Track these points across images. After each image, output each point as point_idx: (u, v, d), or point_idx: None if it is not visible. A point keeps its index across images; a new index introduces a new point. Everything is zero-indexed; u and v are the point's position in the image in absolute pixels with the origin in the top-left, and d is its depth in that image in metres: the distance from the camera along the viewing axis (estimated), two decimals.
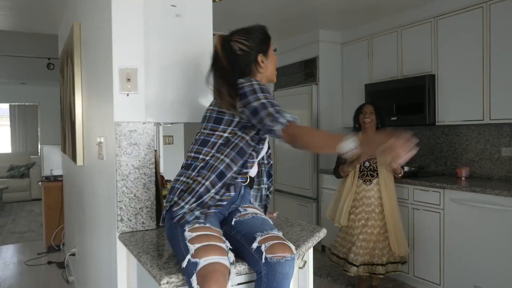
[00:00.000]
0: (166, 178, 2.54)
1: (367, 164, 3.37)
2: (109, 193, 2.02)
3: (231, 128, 1.51)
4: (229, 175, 1.46)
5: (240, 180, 1.48)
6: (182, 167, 1.57)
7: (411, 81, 4.08)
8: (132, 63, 1.91)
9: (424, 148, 4.42)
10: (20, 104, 9.87)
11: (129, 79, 1.89)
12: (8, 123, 10.04)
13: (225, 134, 1.51)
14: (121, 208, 1.88)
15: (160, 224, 1.92)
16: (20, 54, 7.29)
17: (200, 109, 2.02)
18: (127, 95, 1.90)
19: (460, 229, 3.41)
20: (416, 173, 4.06)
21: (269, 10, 4.25)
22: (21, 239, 5.83)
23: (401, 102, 4.18)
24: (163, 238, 1.79)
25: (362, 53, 4.75)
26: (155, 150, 1.99)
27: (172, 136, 5.91)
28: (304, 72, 5.19)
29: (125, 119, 1.89)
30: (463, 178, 3.84)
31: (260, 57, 1.63)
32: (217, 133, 1.52)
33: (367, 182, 3.38)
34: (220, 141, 1.51)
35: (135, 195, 1.90)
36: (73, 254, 3.87)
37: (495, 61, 3.46)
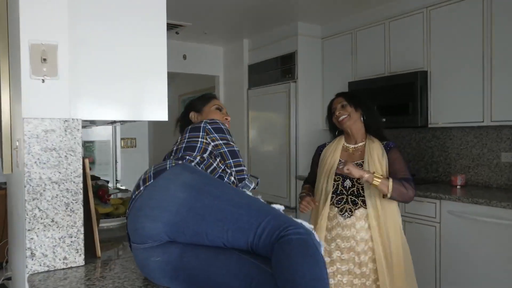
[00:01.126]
0: (121, 187, 2.02)
1: (347, 183, 2.14)
2: (19, 217, 1.48)
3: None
4: None
5: None
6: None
7: (400, 79, 3.67)
8: (51, 37, 1.38)
9: (413, 152, 4.01)
10: None
11: (45, 59, 1.36)
12: None
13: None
14: (32, 239, 1.34)
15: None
16: None
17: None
18: (42, 81, 1.36)
19: (458, 245, 2.99)
20: None
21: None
22: None
23: (389, 102, 3.76)
24: (95, 279, 1.27)
25: (345, 48, 4.32)
26: (84, 158, 1.46)
27: (134, 139, 5.35)
28: (281, 68, 4.72)
29: (38, 115, 1.35)
30: (458, 187, 3.44)
31: (192, 114, 1.83)
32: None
33: (346, 213, 2.13)
34: None
35: (52, 220, 1.37)
36: (9, 279, 3.27)
37: (498, 55, 3.06)
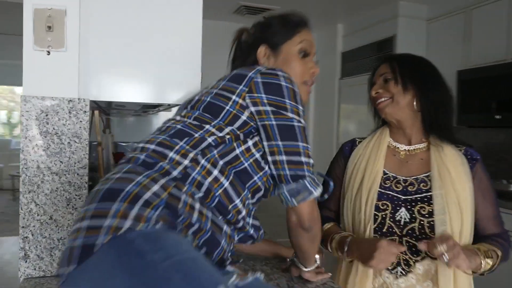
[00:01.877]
0: None
1: (403, 215, 1.25)
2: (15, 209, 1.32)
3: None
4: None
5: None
6: (133, 162, 0.86)
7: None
8: (58, 0, 1.17)
9: None
10: None
11: (50, 27, 1.15)
12: None
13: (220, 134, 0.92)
14: (26, 238, 1.15)
15: None
16: None
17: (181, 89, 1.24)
18: (47, 53, 1.16)
19: None
20: None
21: None
22: None
23: (509, 95, 3.05)
24: None
25: (456, 31, 3.64)
26: (98, 144, 1.24)
27: None
28: (377, 56, 4.19)
29: (39, 93, 1.15)
30: None
31: (261, 49, 1.12)
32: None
33: (399, 268, 1.25)
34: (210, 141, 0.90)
35: (51, 218, 1.16)
36: None
37: None
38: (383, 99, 1.31)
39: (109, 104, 1.53)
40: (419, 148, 1.34)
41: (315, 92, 5.11)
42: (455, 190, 1.23)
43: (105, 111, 2.02)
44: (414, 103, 1.29)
